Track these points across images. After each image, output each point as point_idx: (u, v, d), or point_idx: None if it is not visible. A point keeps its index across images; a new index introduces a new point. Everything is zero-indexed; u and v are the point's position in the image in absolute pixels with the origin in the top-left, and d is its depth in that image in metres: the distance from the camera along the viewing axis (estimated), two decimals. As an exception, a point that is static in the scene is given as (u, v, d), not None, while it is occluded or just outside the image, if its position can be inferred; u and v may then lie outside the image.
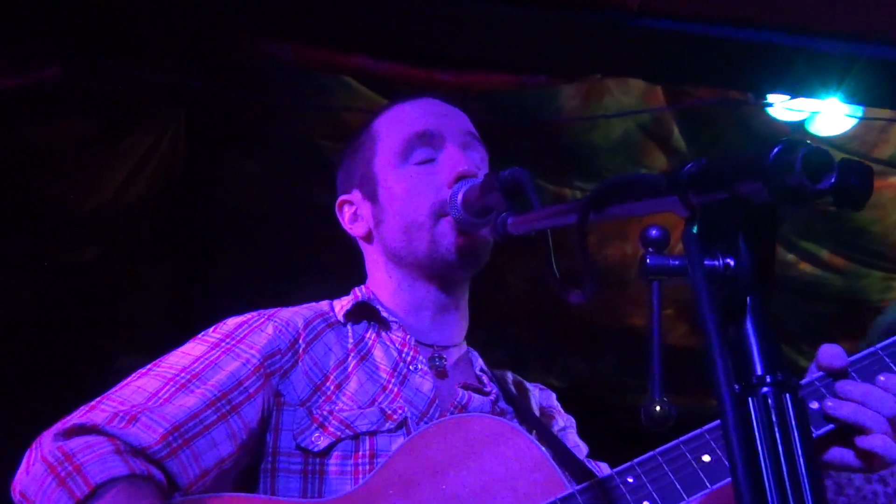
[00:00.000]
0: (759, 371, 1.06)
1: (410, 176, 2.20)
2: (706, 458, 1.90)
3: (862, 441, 1.86)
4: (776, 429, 1.02)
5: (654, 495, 1.87)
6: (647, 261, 1.14)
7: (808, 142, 1.02)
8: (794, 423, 1.02)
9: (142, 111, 4.70)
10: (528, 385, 2.38)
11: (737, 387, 1.05)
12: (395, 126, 2.28)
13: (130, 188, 4.91)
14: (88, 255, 5.11)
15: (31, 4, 3.91)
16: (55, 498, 1.73)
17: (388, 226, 2.22)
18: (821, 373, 1.94)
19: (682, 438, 1.93)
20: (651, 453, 1.92)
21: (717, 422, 1.93)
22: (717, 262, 1.09)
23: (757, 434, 1.02)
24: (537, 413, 2.30)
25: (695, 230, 1.11)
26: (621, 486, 1.88)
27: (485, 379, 2.24)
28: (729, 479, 1.87)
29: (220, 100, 4.77)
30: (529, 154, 5.05)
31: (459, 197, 2.11)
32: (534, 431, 2.14)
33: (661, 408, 1.10)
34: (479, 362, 2.28)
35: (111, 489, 1.73)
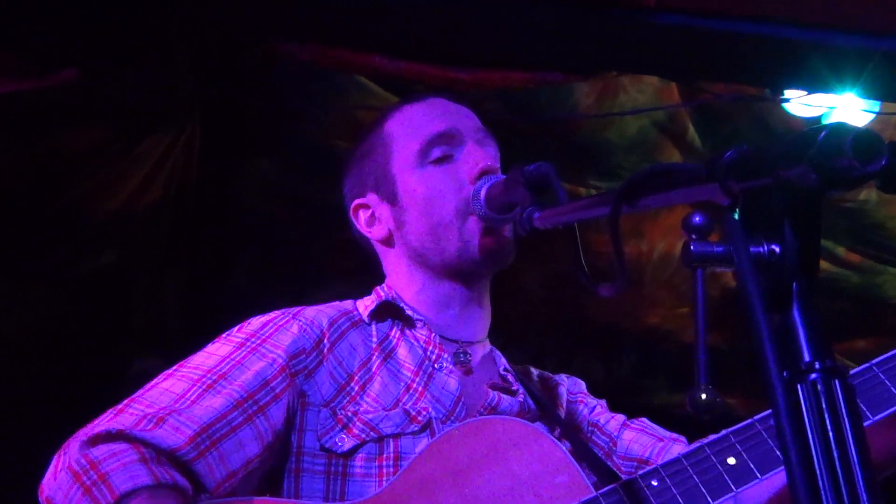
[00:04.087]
0: (807, 357, 1.05)
1: (432, 176, 2.21)
2: (731, 460, 1.90)
3: None
4: (826, 415, 1.02)
5: (679, 499, 1.87)
6: (692, 248, 1.13)
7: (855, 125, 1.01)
8: (844, 408, 1.02)
9: (157, 115, 4.70)
10: (555, 378, 2.38)
11: (785, 374, 1.04)
12: (410, 127, 2.28)
13: (146, 192, 4.91)
14: (104, 260, 5.12)
15: (47, 8, 3.91)
16: None
17: (411, 227, 2.22)
18: None
19: (706, 440, 1.93)
20: (676, 456, 1.92)
21: (742, 424, 1.94)
22: (761, 249, 1.08)
23: (807, 421, 1.01)
24: (564, 405, 2.30)
25: (737, 217, 1.10)
26: (645, 489, 1.88)
27: (510, 378, 2.23)
28: (754, 481, 1.88)
29: (235, 102, 4.77)
30: (544, 152, 5.03)
31: (483, 193, 2.11)
32: (557, 430, 2.14)
33: (706, 395, 1.09)
34: (503, 361, 2.28)
35: (135, 498, 1.73)
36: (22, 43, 3.87)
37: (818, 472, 0.98)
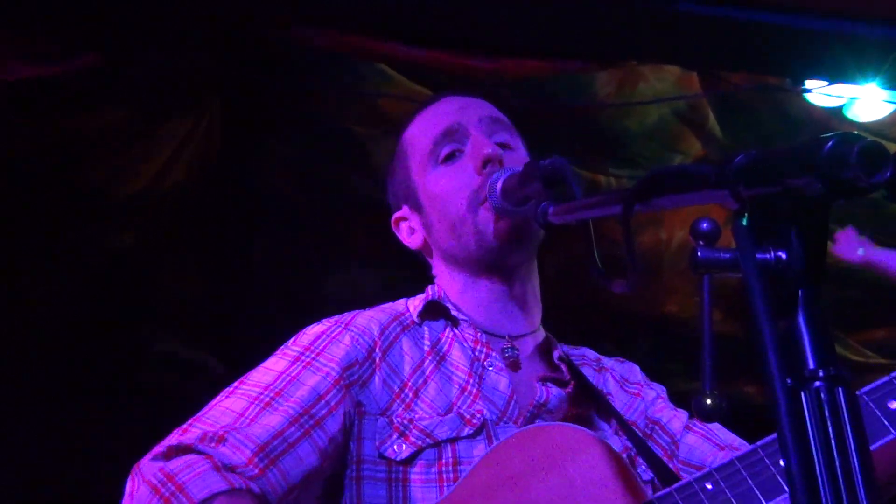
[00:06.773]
0: (811, 365, 1.05)
1: (443, 175, 2.23)
2: (783, 462, 1.88)
3: None
4: (829, 423, 1.02)
5: (733, 501, 1.86)
6: (699, 254, 1.13)
7: (863, 134, 1.01)
8: (847, 417, 1.02)
9: (178, 98, 4.72)
10: (607, 363, 2.36)
11: (789, 381, 1.05)
12: (420, 132, 2.31)
13: (167, 175, 4.93)
14: (126, 242, 5.15)
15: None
16: None
17: (436, 229, 2.25)
18: None
19: (760, 443, 1.92)
20: (729, 458, 1.92)
21: None
22: (768, 256, 1.09)
23: (809, 428, 1.02)
24: (619, 394, 2.28)
25: (745, 223, 1.11)
26: (700, 492, 1.88)
27: (563, 367, 2.21)
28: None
29: (256, 86, 4.79)
30: (564, 140, 5.03)
31: (499, 186, 2.11)
32: (613, 422, 2.15)
33: (711, 400, 1.10)
34: (559, 348, 2.27)
35: (213, 503, 1.78)
36: (43, 27, 3.89)
37: (819, 479, 0.99)
